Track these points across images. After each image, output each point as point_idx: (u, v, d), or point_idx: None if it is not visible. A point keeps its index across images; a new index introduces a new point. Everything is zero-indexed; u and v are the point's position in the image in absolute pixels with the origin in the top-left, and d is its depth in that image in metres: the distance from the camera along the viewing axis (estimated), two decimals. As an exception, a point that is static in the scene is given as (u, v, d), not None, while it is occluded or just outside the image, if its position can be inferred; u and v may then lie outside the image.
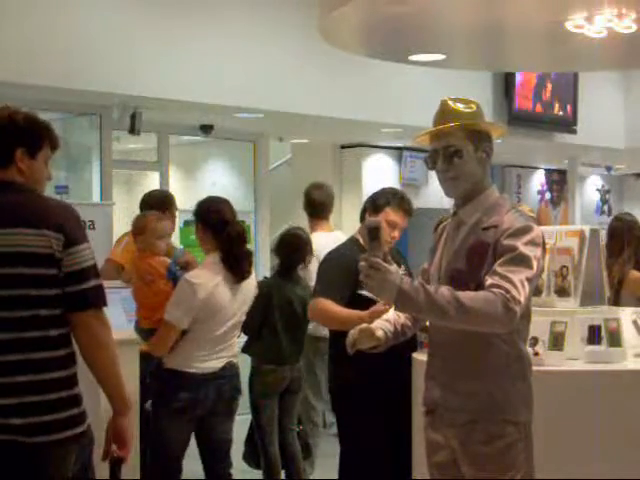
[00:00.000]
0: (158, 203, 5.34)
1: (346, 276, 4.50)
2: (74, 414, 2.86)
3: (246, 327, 5.66)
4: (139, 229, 4.77)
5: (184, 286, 4.52)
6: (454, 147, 3.01)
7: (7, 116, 2.97)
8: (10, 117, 2.97)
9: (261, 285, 5.64)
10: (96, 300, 2.89)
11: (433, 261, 3.16)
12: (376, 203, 4.66)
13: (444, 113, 3.08)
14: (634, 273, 5.75)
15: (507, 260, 2.87)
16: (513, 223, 2.95)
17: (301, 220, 10.77)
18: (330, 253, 4.84)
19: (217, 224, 4.62)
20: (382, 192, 4.74)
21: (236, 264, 4.61)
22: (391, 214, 4.60)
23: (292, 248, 5.65)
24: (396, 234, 4.66)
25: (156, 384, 4.60)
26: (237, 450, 6.13)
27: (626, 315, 4.36)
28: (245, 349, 5.71)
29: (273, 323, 5.58)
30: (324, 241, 5.92)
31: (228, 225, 4.62)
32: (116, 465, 3.06)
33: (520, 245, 2.89)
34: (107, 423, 3.02)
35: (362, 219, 4.75)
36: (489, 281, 2.85)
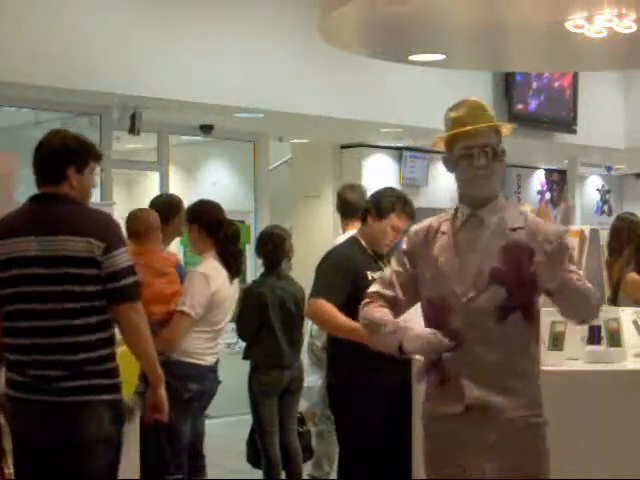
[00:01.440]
0: (167, 207, 5.33)
1: (344, 276, 4.51)
2: (112, 383, 3.47)
3: (242, 332, 5.68)
4: (151, 227, 4.82)
5: (198, 278, 4.72)
6: (491, 146, 3.04)
7: (60, 140, 3.55)
8: (62, 141, 3.54)
9: (251, 288, 5.67)
10: (132, 295, 3.47)
11: (440, 260, 3.06)
12: (380, 208, 4.61)
13: (476, 111, 3.09)
14: (632, 275, 5.73)
15: (567, 259, 2.98)
16: (545, 224, 3.13)
17: (301, 219, 10.81)
18: (330, 252, 4.84)
19: (212, 224, 4.86)
20: (385, 195, 4.69)
21: (233, 262, 4.88)
22: (395, 220, 4.60)
23: (273, 245, 5.69)
24: (397, 237, 4.66)
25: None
26: (240, 450, 6.15)
27: (626, 315, 4.36)
28: (246, 356, 5.71)
29: (270, 325, 5.58)
30: None
31: (223, 225, 4.88)
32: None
33: (566, 244, 2.99)
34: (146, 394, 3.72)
35: (364, 220, 4.73)
36: (571, 276, 2.98)
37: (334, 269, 4.60)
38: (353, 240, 4.75)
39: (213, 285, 4.72)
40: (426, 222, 3.18)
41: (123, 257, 3.45)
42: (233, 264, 4.89)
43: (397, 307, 3.16)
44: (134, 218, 4.94)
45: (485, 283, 2.99)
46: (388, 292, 3.16)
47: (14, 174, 4.95)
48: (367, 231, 4.68)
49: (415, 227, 3.22)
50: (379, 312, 3.13)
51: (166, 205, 5.34)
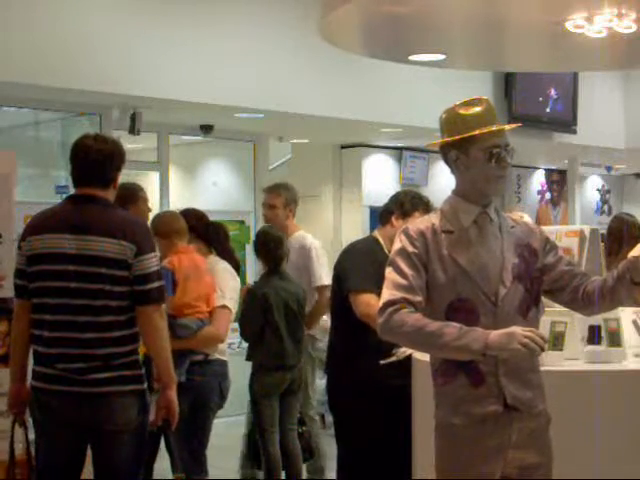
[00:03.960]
0: (120, 196, 5.26)
1: (372, 265, 4.48)
2: (136, 374, 3.65)
3: (246, 333, 5.66)
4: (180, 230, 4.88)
5: (225, 273, 4.87)
6: (511, 146, 3.04)
7: (109, 144, 3.74)
8: (115, 146, 3.75)
9: (255, 289, 5.66)
10: (157, 298, 3.64)
11: (460, 260, 2.99)
12: (404, 207, 4.71)
13: (493, 109, 3.08)
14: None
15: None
16: (522, 220, 3.21)
17: (301, 219, 10.79)
18: (351, 247, 4.82)
19: (202, 228, 5.04)
20: (407, 195, 4.80)
21: (232, 259, 5.05)
22: (419, 218, 4.62)
23: (274, 245, 5.68)
24: None
25: (205, 377, 4.72)
26: (240, 450, 6.14)
27: (626, 315, 4.36)
28: (249, 356, 5.68)
29: (275, 325, 5.56)
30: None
31: (213, 227, 5.08)
32: (164, 428, 3.86)
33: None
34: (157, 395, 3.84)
35: (386, 221, 4.74)
36: (580, 272, 3.15)
37: (362, 260, 4.59)
38: (372, 239, 4.78)
39: (237, 280, 4.92)
40: (424, 222, 3.09)
41: (152, 261, 3.63)
42: (233, 261, 5.03)
43: (421, 312, 2.96)
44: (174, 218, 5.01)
45: (510, 280, 3.00)
46: (413, 297, 2.94)
47: (14, 173, 4.96)
48: (389, 232, 4.67)
49: (415, 227, 3.06)
50: (424, 320, 2.90)
51: (120, 195, 5.26)
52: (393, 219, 4.69)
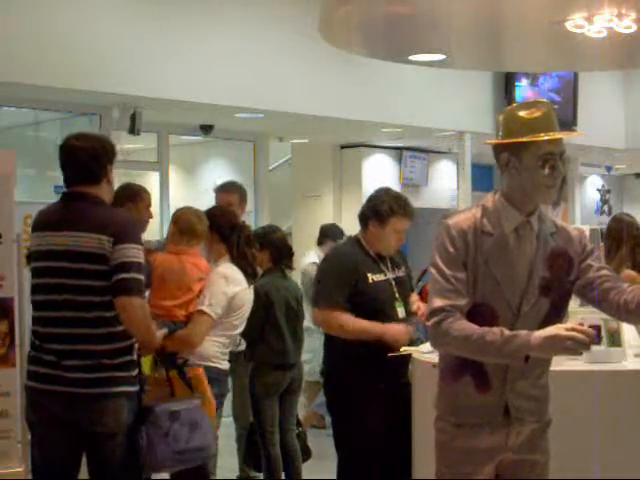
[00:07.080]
0: (118, 195, 5.19)
1: (345, 276, 4.51)
2: (128, 375, 3.62)
3: (248, 332, 5.60)
4: (198, 233, 4.73)
5: (216, 278, 4.60)
6: (566, 154, 2.97)
7: (96, 141, 3.80)
8: (100, 142, 3.81)
9: (257, 288, 5.62)
10: (132, 288, 3.55)
11: (492, 266, 2.94)
12: (380, 214, 4.58)
13: (553, 114, 2.98)
14: (628, 272, 5.75)
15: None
16: (565, 224, 3.11)
17: (301, 219, 10.80)
18: (330, 252, 4.83)
19: (225, 229, 4.79)
20: (382, 200, 4.64)
21: (248, 265, 4.78)
22: (397, 223, 4.59)
23: (278, 244, 5.65)
24: (402, 238, 4.66)
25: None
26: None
27: (626, 315, 4.35)
28: (250, 357, 5.64)
29: (276, 323, 5.55)
30: None
31: (235, 229, 4.80)
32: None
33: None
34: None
35: (365, 224, 4.68)
36: (614, 277, 3.03)
37: (334, 270, 4.59)
38: (354, 240, 4.73)
39: (233, 286, 4.61)
40: (467, 218, 2.98)
41: (129, 252, 3.56)
42: (249, 267, 4.79)
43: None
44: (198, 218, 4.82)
45: (535, 296, 2.95)
46: (456, 301, 2.90)
47: (14, 173, 4.95)
48: (370, 237, 4.66)
49: (457, 226, 2.96)
50: (467, 329, 2.86)
51: (118, 193, 5.17)
52: (370, 226, 4.64)
